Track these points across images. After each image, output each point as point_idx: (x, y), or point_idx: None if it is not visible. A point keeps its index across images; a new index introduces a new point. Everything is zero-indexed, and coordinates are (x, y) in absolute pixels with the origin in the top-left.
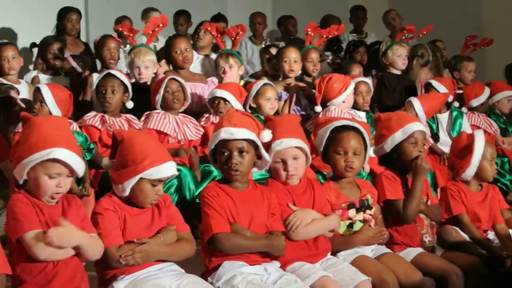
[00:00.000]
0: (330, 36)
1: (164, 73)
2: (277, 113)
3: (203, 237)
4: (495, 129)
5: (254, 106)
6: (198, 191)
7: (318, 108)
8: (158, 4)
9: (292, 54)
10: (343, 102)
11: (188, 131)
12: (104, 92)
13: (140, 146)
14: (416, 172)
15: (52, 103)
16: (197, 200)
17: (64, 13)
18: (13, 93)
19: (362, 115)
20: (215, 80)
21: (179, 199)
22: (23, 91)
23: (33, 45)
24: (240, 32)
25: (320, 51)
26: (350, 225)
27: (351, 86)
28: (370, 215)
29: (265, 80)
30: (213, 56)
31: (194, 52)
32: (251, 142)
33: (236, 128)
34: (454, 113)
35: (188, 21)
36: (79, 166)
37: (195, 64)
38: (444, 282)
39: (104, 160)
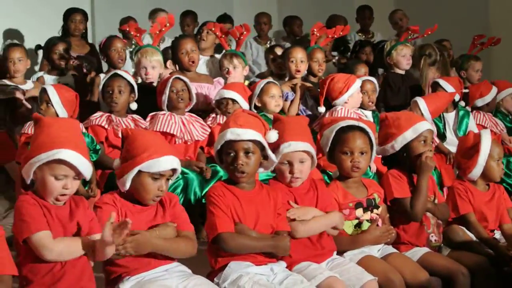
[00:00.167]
0: (336, 36)
1: (170, 74)
2: (283, 113)
3: (208, 236)
4: (501, 128)
5: (259, 105)
6: (204, 191)
7: (321, 109)
8: (164, 5)
9: (299, 54)
10: (346, 102)
11: (195, 130)
12: (111, 92)
13: (142, 140)
14: (421, 168)
15: (58, 103)
16: (203, 201)
17: (68, 14)
18: (18, 94)
19: (368, 115)
20: (221, 80)
21: (184, 202)
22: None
23: (38, 47)
24: (244, 32)
25: (326, 51)
26: (358, 225)
27: (355, 86)
28: (377, 214)
29: (269, 78)
30: (217, 56)
31: None
32: (257, 143)
33: (242, 129)
34: (461, 113)
35: (194, 21)
36: (86, 168)
37: (199, 65)
38: (451, 282)
39: (115, 161)
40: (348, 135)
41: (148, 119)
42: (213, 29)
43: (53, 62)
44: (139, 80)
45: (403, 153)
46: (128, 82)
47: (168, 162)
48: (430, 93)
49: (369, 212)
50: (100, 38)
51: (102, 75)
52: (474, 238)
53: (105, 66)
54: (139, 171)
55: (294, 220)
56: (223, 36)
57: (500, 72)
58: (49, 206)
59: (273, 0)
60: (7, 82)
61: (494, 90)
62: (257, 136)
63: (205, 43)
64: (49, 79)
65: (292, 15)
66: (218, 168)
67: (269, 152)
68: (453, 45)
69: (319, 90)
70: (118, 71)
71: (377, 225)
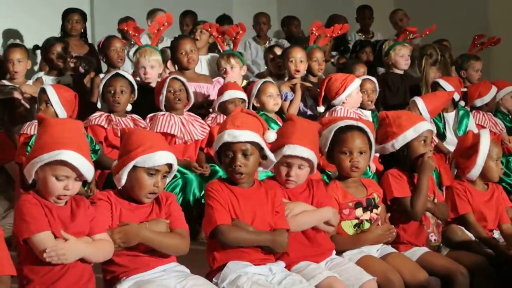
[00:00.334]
0: (334, 35)
1: (170, 73)
2: (282, 112)
3: (206, 231)
4: (501, 128)
5: (258, 105)
6: (203, 192)
7: (320, 109)
8: (163, 5)
9: (298, 54)
10: (345, 102)
11: (194, 130)
12: (113, 92)
13: (138, 136)
14: (422, 168)
15: (57, 103)
16: (203, 201)
17: (66, 14)
18: (16, 94)
19: (368, 114)
20: (221, 80)
21: (182, 202)
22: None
23: (36, 47)
24: (240, 32)
25: (326, 51)
26: (357, 225)
27: (353, 85)
28: (377, 214)
29: (267, 78)
30: (209, 56)
31: None
32: (255, 144)
33: (239, 130)
34: (461, 112)
35: (194, 21)
36: (88, 170)
37: (201, 64)
38: (450, 282)
39: (114, 163)
40: (347, 135)
41: (147, 120)
42: (209, 29)
43: (51, 63)
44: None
45: (402, 152)
46: (129, 82)
47: (163, 157)
48: (429, 93)
49: (368, 212)
50: (100, 38)
51: (101, 75)
52: (473, 238)
53: (104, 67)
54: (135, 167)
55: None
56: (220, 36)
57: (499, 72)
58: (50, 206)
59: (273, 0)
60: (6, 82)
61: (494, 90)
62: (255, 138)
63: (198, 42)
64: (48, 80)
65: (290, 15)
66: (217, 167)
67: (268, 152)
68: (453, 45)
69: (318, 90)
70: (120, 71)
71: (377, 224)
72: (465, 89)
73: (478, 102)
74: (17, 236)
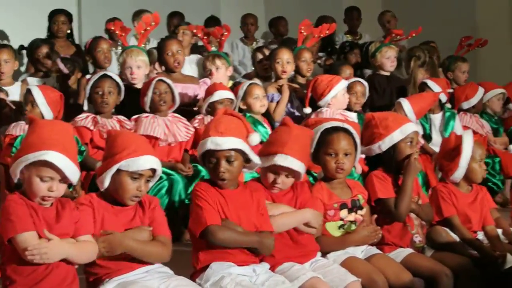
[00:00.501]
0: (322, 36)
1: (157, 74)
2: (269, 113)
3: (195, 231)
4: (487, 130)
5: (244, 107)
6: (189, 190)
7: (307, 110)
8: (150, 6)
9: (285, 55)
10: (330, 103)
11: (178, 131)
12: (101, 93)
13: (123, 139)
14: (408, 169)
15: (43, 104)
16: (186, 201)
17: (52, 16)
18: (1, 95)
19: (353, 116)
20: (207, 81)
21: (168, 204)
22: (16, 93)
23: (21, 47)
24: (225, 33)
25: (313, 51)
26: (342, 226)
27: (338, 87)
28: (361, 215)
29: (253, 80)
30: (192, 57)
31: None
32: (239, 150)
33: (222, 137)
34: (447, 114)
35: (181, 23)
36: (73, 173)
37: (189, 64)
38: (434, 283)
39: (98, 164)
40: (332, 137)
41: (132, 122)
42: (194, 30)
43: (37, 64)
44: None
45: (389, 153)
46: (117, 83)
47: (148, 162)
48: (414, 94)
49: (353, 213)
50: (87, 39)
51: (87, 76)
52: (458, 239)
53: (91, 68)
54: (119, 170)
55: None
56: (205, 37)
57: (486, 73)
58: (36, 207)
59: (260, 1)
60: None
61: (480, 92)
62: (239, 144)
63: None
64: (33, 81)
65: (278, 16)
66: (200, 167)
67: (252, 156)
68: (440, 46)
69: (305, 91)
70: (108, 72)
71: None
72: (451, 90)
73: (465, 105)
74: (1, 236)
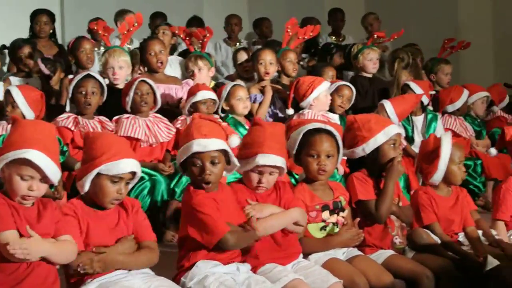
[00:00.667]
0: (306, 37)
1: (139, 74)
2: (251, 115)
3: (209, 242)
4: (471, 133)
5: (227, 108)
6: (172, 184)
7: (289, 111)
8: (133, 6)
9: (268, 57)
10: (312, 104)
11: (160, 132)
12: (84, 93)
13: (102, 142)
14: (391, 172)
15: (23, 104)
16: (166, 197)
17: (34, 16)
18: None
19: (335, 118)
20: (190, 81)
21: (150, 204)
22: None
23: (3, 47)
24: (207, 35)
25: (296, 53)
26: (324, 227)
27: (320, 88)
28: (343, 217)
29: (236, 81)
30: (171, 57)
31: None
32: (222, 151)
33: (207, 139)
34: (429, 116)
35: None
36: (54, 173)
37: (174, 65)
38: (415, 285)
39: (77, 165)
40: (315, 138)
41: (113, 123)
42: (176, 31)
43: (19, 64)
44: (106, 81)
45: (372, 156)
46: (100, 84)
47: (128, 165)
48: (397, 96)
49: (335, 215)
50: (70, 38)
51: (70, 77)
52: (438, 241)
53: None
54: (98, 174)
55: (251, 217)
56: (187, 38)
57: (468, 76)
58: (17, 207)
59: (244, 1)
60: None
61: (465, 95)
62: (223, 145)
63: None
64: (15, 81)
65: (262, 17)
66: None
67: (232, 157)
68: (423, 48)
69: (288, 92)
70: (91, 72)
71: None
72: (433, 92)
73: (450, 108)
74: None
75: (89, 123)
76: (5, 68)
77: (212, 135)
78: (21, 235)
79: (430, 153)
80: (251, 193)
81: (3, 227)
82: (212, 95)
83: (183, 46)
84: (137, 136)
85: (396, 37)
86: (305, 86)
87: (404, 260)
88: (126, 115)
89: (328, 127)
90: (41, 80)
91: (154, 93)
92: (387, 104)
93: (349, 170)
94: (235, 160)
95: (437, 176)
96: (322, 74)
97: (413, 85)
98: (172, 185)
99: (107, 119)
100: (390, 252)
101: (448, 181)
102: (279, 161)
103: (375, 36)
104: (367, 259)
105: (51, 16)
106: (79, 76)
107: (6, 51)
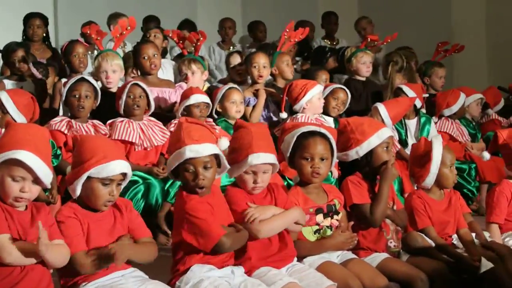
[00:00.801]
0: (296, 40)
1: (132, 77)
2: (244, 118)
3: (205, 247)
4: (467, 138)
5: (220, 110)
6: (167, 186)
7: (283, 114)
8: (126, 10)
9: (261, 60)
10: (304, 107)
11: (154, 135)
12: (78, 96)
13: (90, 145)
14: (385, 175)
15: (13, 109)
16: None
17: (27, 19)
18: None
19: (330, 121)
20: (183, 85)
21: (144, 208)
22: None
23: None
24: (201, 38)
25: (290, 56)
26: (318, 231)
27: (313, 91)
28: (337, 220)
29: (230, 84)
30: (164, 61)
31: None
32: (214, 154)
33: (199, 144)
34: (422, 119)
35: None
36: (45, 174)
37: (167, 69)
38: None
39: (68, 169)
40: (309, 141)
41: (107, 126)
42: (170, 35)
43: (13, 68)
44: (100, 85)
45: (366, 159)
46: (94, 87)
47: (117, 167)
48: (390, 99)
49: (329, 218)
50: (63, 41)
51: (63, 80)
52: (433, 244)
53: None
54: (89, 177)
55: (253, 221)
56: (181, 41)
57: (462, 79)
58: (11, 211)
59: (237, 5)
60: None
61: (462, 99)
62: (215, 150)
63: None
64: (9, 84)
65: (256, 20)
66: None
67: (224, 160)
68: (417, 51)
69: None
70: (85, 76)
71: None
72: (427, 95)
73: (446, 112)
74: None
75: (82, 127)
76: None
77: (203, 140)
78: (14, 239)
79: (421, 156)
80: (247, 196)
81: None
82: (205, 98)
83: (176, 50)
84: (131, 140)
85: (390, 40)
86: (298, 90)
87: (398, 263)
88: (120, 119)
89: (322, 130)
90: (34, 84)
91: (148, 96)
92: (381, 107)
93: (341, 173)
94: (225, 162)
95: (429, 180)
96: (316, 77)
97: (405, 88)
98: (166, 187)
99: (100, 122)
100: (384, 255)
101: (440, 184)
102: (271, 158)
103: (369, 39)
104: (362, 262)
105: (44, 19)
106: (72, 80)
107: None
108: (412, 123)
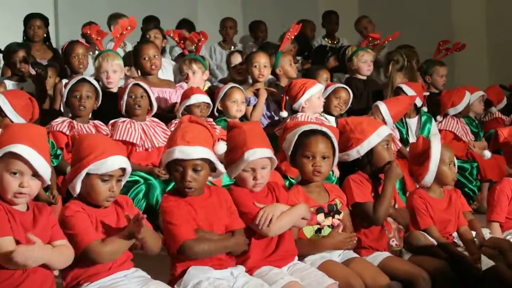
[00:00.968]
0: (292, 37)
1: (133, 78)
2: (245, 117)
3: (170, 248)
4: (471, 138)
5: (221, 109)
6: (168, 187)
7: (283, 113)
8: (127, 10)
9: (262, 59)
10: (304, 106)
11: (156, 136)
12: (79, 97)
13: (88, 142)
14: (389, 175)
15: (11, 112)
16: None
17: (27, 20)
18: None
19: (331, 120)
20: (184, 85)
21: (145, 208)
22: None
23: None
24: (202, 39)
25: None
26: (319, 230)
27: (313, 90)
28: (339, 219)
29: (232, 83)
30: (164, 60)
31: None
32: (206, 159)
33: (190, 146)
34: (423, 118)
35: (157, 27)
36: (43, 167)
37: (167, 70)
38: (411, 286)
39: (68, 168)
40: (310, 139)
41: (109, 126)
42: (171, 34)
43: (14, 68)
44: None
45: (367, 157)
46: (95, 88)
47: (115, 162)
48: (391, 98)
49: (330, 218)
50: (64, 42)
51: (64, 81)
52: (435, 243)
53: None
54: (88, 174)
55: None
56: (182, 41)
57: (463, 77)
58: (13, 212)
59: (238, 5)
60: None
61: (467, 98)
62: (206, 154)
63: None
64: (10, 85)
65: (258, 20)
66: None
67: (218, 165)
68: (418, 50)
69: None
70: (86, 77)
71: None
72: (427, 93)
73: (452, 111)
74: None
75: (84, 128)
76: None
77: (195, 143)
78: (17, 241)
79: (420, 155)
80: (251, 194)
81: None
82: (206, 98)
83: (177, 50)
84: (132, 140)
85: (391, 39)
86: (297, 88)
87: (400, 262)
88: (122, 119)
89: (324, 129)
90: (34, 84)
91: (149, 97)
92: (382, 106)
93: (341, 173)
94: (220, 167)
95: (429, 178)
96: (317, 76)
97: (405, 87)
98: (168, 188)
99: (102, 123)
100: (386, 254)
101: (440, 182)
102: (267, 152)
103: (370, 38)
104: (363, 261)
105: (44, 20)
106: (73, 80)
107: (0, 55)
108: (413, 122)
